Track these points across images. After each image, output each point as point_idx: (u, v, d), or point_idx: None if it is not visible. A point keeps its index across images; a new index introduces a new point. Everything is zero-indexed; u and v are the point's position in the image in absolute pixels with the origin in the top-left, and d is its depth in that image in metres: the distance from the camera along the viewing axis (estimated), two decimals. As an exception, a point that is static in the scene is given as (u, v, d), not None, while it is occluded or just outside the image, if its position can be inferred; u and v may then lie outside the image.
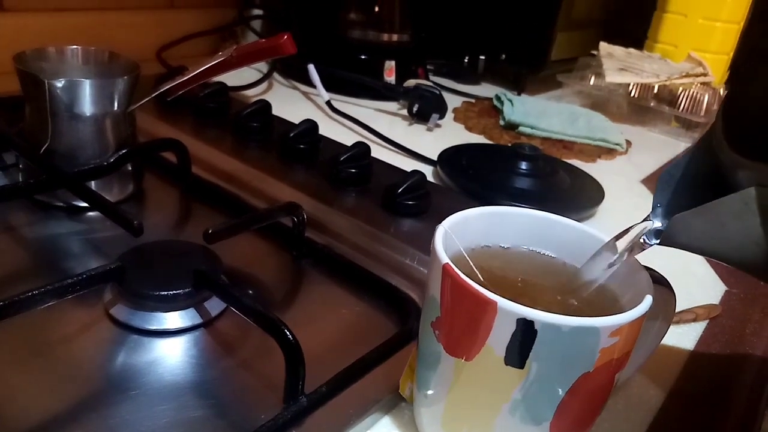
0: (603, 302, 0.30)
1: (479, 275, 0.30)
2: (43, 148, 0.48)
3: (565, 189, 0.64)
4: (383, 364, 0.35)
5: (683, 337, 0.45)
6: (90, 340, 0.36)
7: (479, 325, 0.26)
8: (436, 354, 0.28)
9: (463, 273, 0.26)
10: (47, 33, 0.75)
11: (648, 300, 0.26)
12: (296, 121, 0.61)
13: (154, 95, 0.51)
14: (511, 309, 0.25)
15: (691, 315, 0.47)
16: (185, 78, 0.49)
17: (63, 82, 0.47)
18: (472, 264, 0.30)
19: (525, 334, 0.25)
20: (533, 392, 0.26)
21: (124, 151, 0.50)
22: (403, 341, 0.37)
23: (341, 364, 0.34)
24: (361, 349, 0.36)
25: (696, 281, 0.53)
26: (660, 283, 0.30)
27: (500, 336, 0.25)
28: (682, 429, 0.37)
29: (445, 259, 0.27)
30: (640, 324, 0.26)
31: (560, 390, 0.26)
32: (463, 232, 0.31)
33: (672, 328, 0.46)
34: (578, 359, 0.25)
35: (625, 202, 0.68)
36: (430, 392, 0.30)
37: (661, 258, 0.56)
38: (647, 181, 0.75)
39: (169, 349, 0.36)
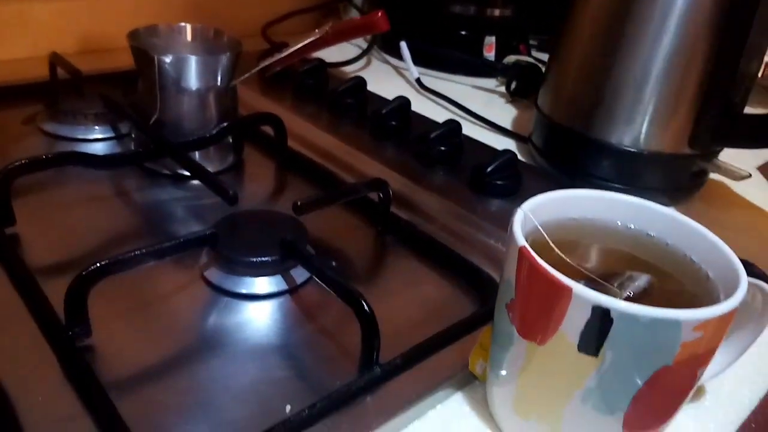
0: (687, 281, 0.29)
1: (556, 250, 0.29)
2: (153, 120, 0.52)
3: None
4: (459, 342, 0.35)
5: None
6: (185, 299, 0.38)
7: (553, 311, 0.25)
8: (510, 335, 0.28)
9: (541, 251, 0.26)
10: (160, 11, 0.80)
11: (739, 295, 0.25)
12: (392, 98, 0.61)
13: (254, 71, 0.53)
14: (586, 296, 0.24)
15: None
16: (283, 55, 0.50)
17: (171, 57, 0.50)
18: (549, 241, 0.30)
19: (600, 322, 0.24)
20: (607, 381, 0.25)
21: (225, 124, 0.52)
22: (481, 321, 0.36)
23: (418, 339, 0.35)
24: (438, 325, 0.36)
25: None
26: (754, 275, 0.28)
27: (574, 323, 0.25)
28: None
29: (522, 241, 0.27)
30: (728, 319, 0.25)
31: (636, 382, 0.25)
32: (545, 212, 0.31)
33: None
34: (657, 352, 0.24)
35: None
36: (502, 373, 0.30)
37: None
38: (764, 169, 0.69)
39: (257, 312, 0.38)
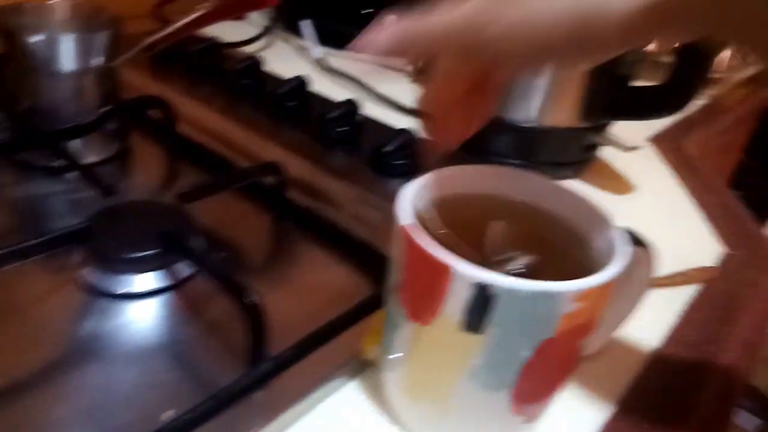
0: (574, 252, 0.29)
1: (442, 228, 0.28)
2: (24, 107, 0.47)
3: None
4: (354, 327, 0.34)
5: (675, 300, 0.44)
6: (59, 302, 0.35)
7: (435, 290, 0.25)
8: (400, 318, 0.28)
9: (432, 230, 0.25)
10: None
11: (619, 263, 0.25)
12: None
13: (135, 50, 0.50)
14: (466, 274, 0.23)
15: (684, 278, 0.45)
16: (165, 32, 0.47)
17: (39, 37, 0.45)
18: (439, 221, 0.29)
19: (482, 299, 0.24)
20: (493, 358, 0.25)
21: (105, 109, 0.49)
22: (376, 304, 0.36)
23: (314, 327, 0.34)
24: (336, 311, 0.35)
25: (694, 243, 0.52)
26: (636, 243, 0.29)
27: (457, 301, 0.24)
28: (660, 397, 0.36)
29: (405, 220, 0.26)
30: (607, 289, 0.25)
31: (521, 356, 0.25)
32: (438, 189, 0.30)
33: (664, 291, 0.45)
34: (539, 325, 0.24)
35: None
36: (393, 357, 0.29)
37: (660, 219, 0.55)
38: (655, 140, 0.72)
39: (139, 311, 0.36)
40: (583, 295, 0.24)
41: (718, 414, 0.36)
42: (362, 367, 0.33)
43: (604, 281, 0.24)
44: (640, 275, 0.31)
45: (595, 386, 0.35)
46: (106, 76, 0.50)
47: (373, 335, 0.32)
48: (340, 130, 0.53)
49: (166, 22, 0.78)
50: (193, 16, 0.47)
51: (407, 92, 0.73)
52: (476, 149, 0.57)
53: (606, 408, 0.34)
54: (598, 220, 0.28)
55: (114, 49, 0.49)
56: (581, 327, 0.25)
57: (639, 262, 0.30)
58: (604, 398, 0.35)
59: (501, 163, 0.56)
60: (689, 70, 0.47)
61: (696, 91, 0.49)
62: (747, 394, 1.64)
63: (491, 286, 0.23)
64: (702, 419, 0.35)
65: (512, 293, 0.23)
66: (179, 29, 0.48)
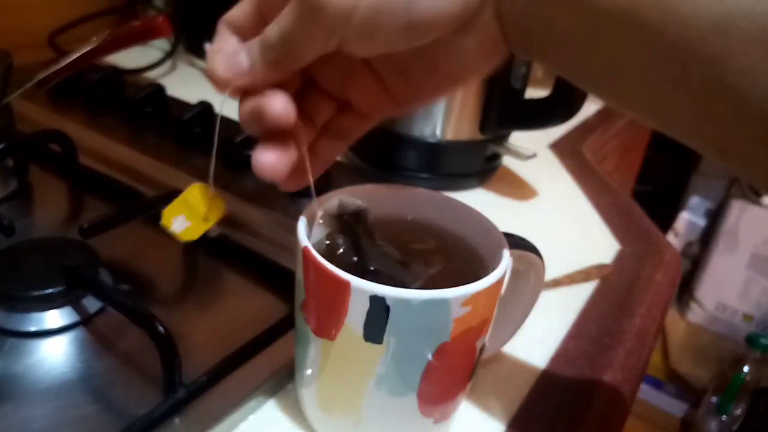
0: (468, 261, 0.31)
1: (344, 251, 0.30)
2: None
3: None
4: (268, 348, 0.35)
5: (574, 297, 0.47)
6: (-40, 347, 0.34)
7: (337, 305, 0.26)
8: (307, 335, 0.28)
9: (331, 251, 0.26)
10: None
11: (501, 267, 0.27)
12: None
13: (29, 86, 0.48)
14: (363, 287, 0.25)
15: (583, 275, 0.48)
16: (59, 66, 0.46)
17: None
18: (340, 241, 0.30)
19: (378, 310, 0.25)
20: (395, 365, 0.26)
21: (0, 146, 0.47)
22: (290, 324, 0.36)
23: (229, 352, 0.34)
24: (252, 334, 0.36)
25: (592, 242, 0.55)
26: (524, 248, 0.31)
27: (357, 314, 0.25)
28: (566, 387, 0.38)
29: (304, 242, 0.27)
30: (494, 291, 0.27)
31: (421, 361, 0.27)
32: (337, 210, 0.31)
33: (564, 289, 0.48)
34: (434, 330, 0.26)
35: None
36: (307, 373, 0.30)
37: (561, 221, 0.58)
38: (554, 147, 0.76)
39: (49, 349, 0.35)
40: (470, 300, 0.25)
41: (616, 403, 0.39)
42: (282, 384, 0.34)
43: (487, 285, 0.26)
44: (532, 278, 0.33)
45: (501, 383, 0.37)
46: (1, 113, 0.48)
47: (179, 206, 0.32)
48: (247, 153, 0.54)
49: (62, 53, 0.76)
50: (85, 49, 0.46)
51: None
52: (386, 165, 0.59)
53: (513, 404, 0.36)
54: (487, 231, 0.30)
55: (7, 85, 0.48)
56: (474, 329, 0.27)
57: (531, 266, 0.33)
58: (511, 394, 0.37)
59: (410, 177, 0.58)
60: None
61: (581, 100, 0.53)
62: (672, 381, 1.74)
63: (386, 297, 0.24)
64: (601, 411, 0.38)
65: (405, 303, 0.25)
66: (74, 62, 0.47)
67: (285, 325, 0.37)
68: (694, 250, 1.78)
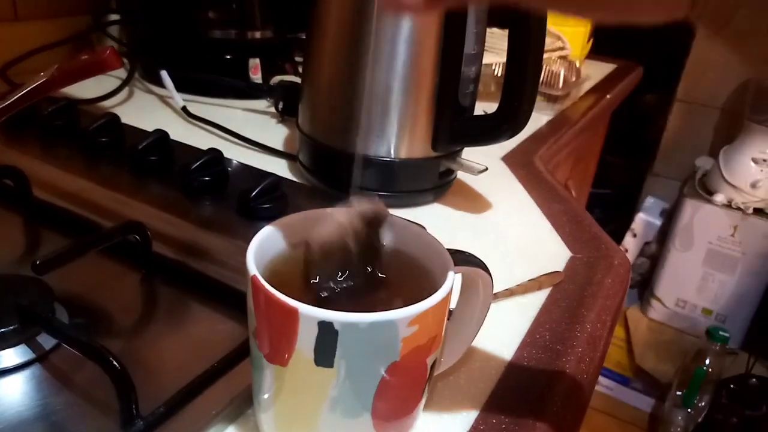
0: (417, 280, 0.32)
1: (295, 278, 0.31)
2: None
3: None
4: (228, 374, 0.36)
5: (528, 306, 0.48)
6: None
7: (287, 332, 0.27)
8: (261, 361, 0.29)
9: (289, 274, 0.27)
10: None
11: (446, 286, 0.28)
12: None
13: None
14: (311, 313, 0.26)
15: (536, 284, 0.50)
16: (6, 103, 0.46)
17: None
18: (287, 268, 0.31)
19: (327, 335, 0.26)
20: (347, 387, 0.27)
21: (-52, 185, 0.47)
22: (248, 350, 0.37)
23: (187, 380, 0.34)
24: (211, 361, 0.36)
25: (544, 251, 0.57)
26: (471, 263, 0.32)
27: (307, 340, 0.26)
28: (521, 395, 0.40)
29: (252, 270, 0.28)
30: (440, 309, 0.28)
31: (373, 381, 0.27)
32: (290, 235, 0.32)
33: (518, 299, 0.49)
34: (383, 351, 0.27)
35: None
36: (263, 397, 0.31)
37: (514, 232, 0.60)
38: (507, 159, 0.79)
39: (5, 388, 0.35)
40: (417, 319, 0.26)
41: (571, 409, 0.41)
42: (241, 410, 0.35)
43: (432, 304, 0.27)
44: (481, 292, 0.35)
45: (459, 395, 0.38)
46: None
47: None
48: (204, 179, 0.54)
49: (15, 86, 0.76)
50: (33, 84, 0.46)
51: (273, 134, 0.76)
52: (342, 185, 0.60)
53: (471, 414, 0.37)
54: (429, 247, 0.32)
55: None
56: (424, 347, 0.28)
57: (479, 281, 0.34)
58: (468, 405, 0.38)
59: (366, 196, 0.59)
60: (516, 99, 0.53)
61: (526, 116, 0.55)
62: (638, 377, 1.78)
63: (334, 322, 0.25)
64: (557, 416, 0.39)
65: (352, 326, 0.26)
66: (21, 98, 0.47)
67: (244, 351, 0.37)
68: (653, 249, 1.83)
